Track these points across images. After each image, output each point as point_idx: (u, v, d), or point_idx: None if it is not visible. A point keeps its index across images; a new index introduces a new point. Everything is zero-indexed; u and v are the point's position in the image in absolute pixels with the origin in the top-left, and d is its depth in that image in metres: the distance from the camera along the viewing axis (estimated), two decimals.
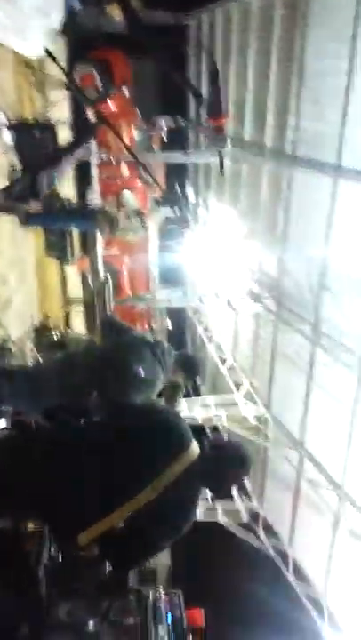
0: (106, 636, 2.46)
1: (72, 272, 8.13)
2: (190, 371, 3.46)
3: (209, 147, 3.95)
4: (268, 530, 8.67)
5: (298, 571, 7.88)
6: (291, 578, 7.89)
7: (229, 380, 8.74)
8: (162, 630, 2.57)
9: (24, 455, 2.27)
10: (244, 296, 8.16)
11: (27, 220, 5.51)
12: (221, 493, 2.54)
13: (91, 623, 2.49)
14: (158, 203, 7.45)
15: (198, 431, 2.39)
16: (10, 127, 4.76)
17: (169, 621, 2.67)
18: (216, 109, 3.62)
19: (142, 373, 2.96)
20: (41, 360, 5.13)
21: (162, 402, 3.23)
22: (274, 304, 7.67)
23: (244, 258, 8.47)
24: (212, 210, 10.03)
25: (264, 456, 8.50)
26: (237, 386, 8.59)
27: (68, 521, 2.14)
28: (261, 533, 8.70)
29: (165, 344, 3.22)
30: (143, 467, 2.18)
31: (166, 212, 7.50)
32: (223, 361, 9.34)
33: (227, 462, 2.35)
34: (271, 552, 8.47)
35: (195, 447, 2.25)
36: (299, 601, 7.48)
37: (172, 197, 7.53)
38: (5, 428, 3.69)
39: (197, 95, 3.96)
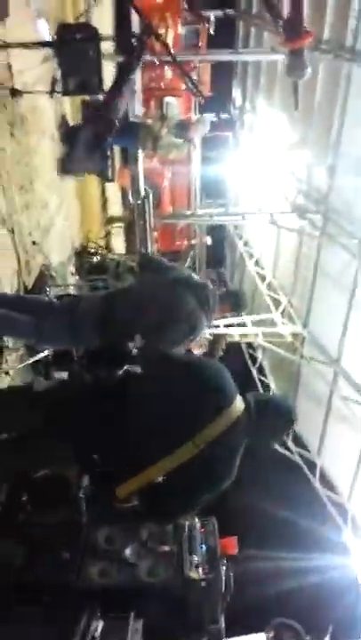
0: (143, 562, 2.69)
1: (112, 190, 7.85)
2: (237, 308, 3.39)
3: (285, 73, 2.95)
4: (297, 440, 9.03)
5: (324, 479, 8.31)
6: (317, 484, 8.34)
7: (268, 298, 8.65)
8: (196, 558, 2.77)
9: (68, 404, 2.30)
10: (288, 211, 7.79)
11: (68, 136, 5.29)
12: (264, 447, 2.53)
13: (128, 550, 2.72)
14: (203, 108, 6.95)
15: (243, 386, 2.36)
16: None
17: (203, 549, 2.87)
18: (295, 28, 2.65)
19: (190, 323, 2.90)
20: (82, 284, 5.16)
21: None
22: (320, 219, 7.32)
23: (291, 169, 7.97)
24: (260, 114, 9.28)
25: (298, 371, 8.65)
26: (276, 304, 8.51)
27: (106, 473, 2.20)
28: (290, 443, 9.08)
29: (210, 287, 3.09)
30: (185, 422, 2.15)
31: (211, 117, 7.00)
32: (263, 278, 9.19)
33: (272, 418, 2.30)
34: (299, 460, 8.90)
35: (239, 403, 2.22)
36: (323, 508, 7.95)
37: (217, 102, 6.98)
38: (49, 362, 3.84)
39: (271, 6, 2.90)
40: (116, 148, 6.71)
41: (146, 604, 2.54)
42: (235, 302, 3.33)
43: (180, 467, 2.09)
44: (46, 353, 3.84)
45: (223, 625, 2.71)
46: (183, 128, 5.31)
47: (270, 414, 2.31)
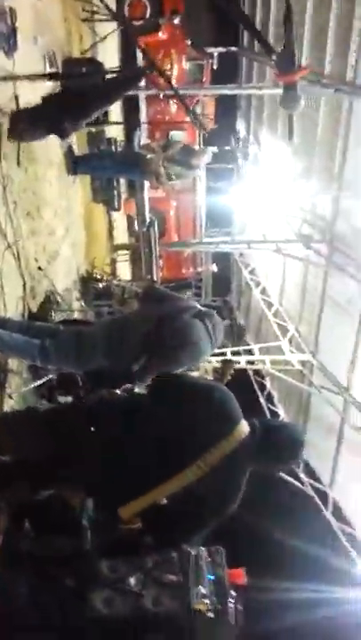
0: (148, 591, 2.59)
1: (118, 218, 7.97)
2: (239, 338, 3.38)
3: (279, 105, 2.95)
4: (309, 471, 8.84)
5: (337, 511, 8.08)
6: (330, 516, 8.11)
7: (275, 326, 8.61)
8: (203, 589, 2.66)
9: (71, 426, 2.29)
10: (293, 239, 7.84)
11: (74, 168, 5.41)
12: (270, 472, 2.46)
13: (133, 579, 2.63)
14: (207, 141, 7.10)
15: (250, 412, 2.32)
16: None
17: (211, 580, 2.76)
18: (287, 62, 2.56)
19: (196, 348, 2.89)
20: (87, 310, 5.18)
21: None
22: (326, 248, 7.35)
23: (296, 198, 8.06)
24: (263, 146, 9.48)
25: (307, 400, 8.53)
26: (283, 332, 8.47)
27: (110, 494, 2.16)
28: (302, 474, 8.88)
29: (217, 317, 3.10)
30: (189, 444, 2.13)
31: (215, 150, 7.14)
32: (269, 306, 9.18)
33: (278, 445, 2.24)
34: (311, 492, 8.68)
35: (244, 426, 2.18)
36: (336, 541, 7.71)
37: (222, 134, 7.14)
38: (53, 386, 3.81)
39: (264, 43, 2.94)
40: (122, 179, 6.84)
41: (151, 635, 2.44)
42: (238, 335, 3.33)
43: (185, 489, 2.06)
44: (50, 377, 3.82)
45: None
46: (188, 153, 5.40)
47: (278, 440, 2.26)
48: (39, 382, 3.79)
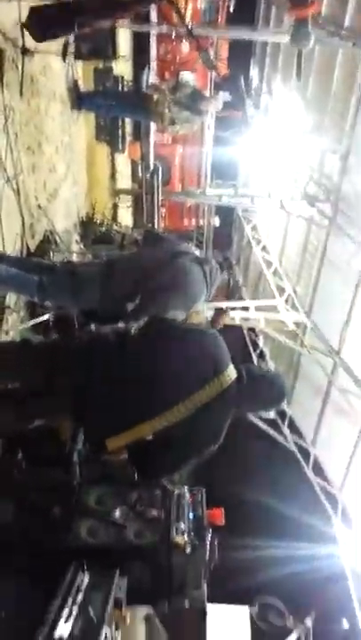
0: (130, 524, 2.70)
1: (122, 162, 7.74)
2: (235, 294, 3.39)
3: (289, 43, 3.00)
4: (293, 428, 9.05)
5: (318, 468, 8.33)
6: (310, 473, 8.37)
7: (272, 284, 8.60)
8: (183, 525, 2.77)
9: (63, 356, 2.34)
10: (298, 198, 7.71)
11: (79, 104, 5.22)
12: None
13: (117, 511, 2.73)
14: (218, 87, 6.84)
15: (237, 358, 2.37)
16: None
17: (191, 518, 2.87)
18: None
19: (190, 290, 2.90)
20: (86, 253, 5.13)
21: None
22: (330, 208, 7.25)
23: (304, 155, 7.87)
24: (276, 97, 9.15)
25: (298, 360, 8.63)
26: (280, 291, 8.46)
27: (98, 425, 2.24)
28: (286, 430, 9.10)
29: (214, 263, 3.10)
30: (177, 384, 2.20)
31: (226, 96, 6.89)
32: (269, 264, 9.13)
33: (262, 393, 2.34)
34: (293, 447, 8.92)
35: (231, 373, 2.24)
36: (314, 497, 7.98)
37: (233, 81, 6.88)
38: (49, 325, 3.83)
39: None
40: (128, 120, 6.62)
41: (131, 565, 2.56)
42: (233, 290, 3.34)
43: (169, 427, 2.15)
44: (47, 317, 3.83)
45: (206, 592, 2.72)
46: (197, 98, 5.21)
47: (261, 390, 2.34)
48: (36, 321, 3.80)
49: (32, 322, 3.74)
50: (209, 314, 4.98)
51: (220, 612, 7.01)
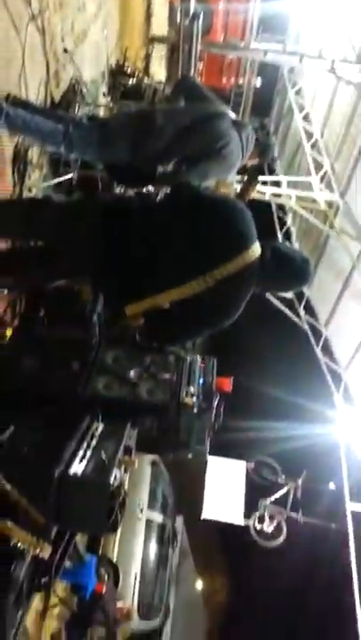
0: (144, 383, 2.88)
1: (159, 3, 6.79)
2: (264, 156, 3.20)
3: None
4: (308, 308, 9.18)
5: (327, 348, 8.60)
6: (318, 351, 8.66)
7: (309, 159, 8.09)
8: (193, 389, 2.95)
9: (88, 216, 2.30)
10: (352, 60, 6.91)
11: None
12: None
13: (132, 371, 2.89)
14: None
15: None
16: None
17: (201, 382, 3.04)
18: None
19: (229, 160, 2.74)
20: (114, 107, 4.79)
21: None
22: None
23: None
24: None
25: (324, 242, 8.46)
26: (317, 167, 7.99)
27: (118, 290, 2.27)
28: (302, 311, 9.23)
29: (251, 129, 2.87)
30: (200, 257, 2.16)
31: None
32: (309, 136, 8.51)
33: (286, 273, 2.28)
34: (306, 327, 9.13)
35: (256, 249, 2.18)
36: (320, 376, 8.35)
37: None
38: (72, 184, 3.72)
39: None
40: None
41: (142, 419, 2.78)
42: (265, 152, 3.12)
43: (188, 298, 2.14)
44: (70, 176, 3.71)
45: (208, 448, 2.98)
46: None
47: (286, 270, 2.28)
48: (59, 180, 3.69)
49: (55, 180, 3.63)
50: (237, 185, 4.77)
51: (219, 464, 7.81)
